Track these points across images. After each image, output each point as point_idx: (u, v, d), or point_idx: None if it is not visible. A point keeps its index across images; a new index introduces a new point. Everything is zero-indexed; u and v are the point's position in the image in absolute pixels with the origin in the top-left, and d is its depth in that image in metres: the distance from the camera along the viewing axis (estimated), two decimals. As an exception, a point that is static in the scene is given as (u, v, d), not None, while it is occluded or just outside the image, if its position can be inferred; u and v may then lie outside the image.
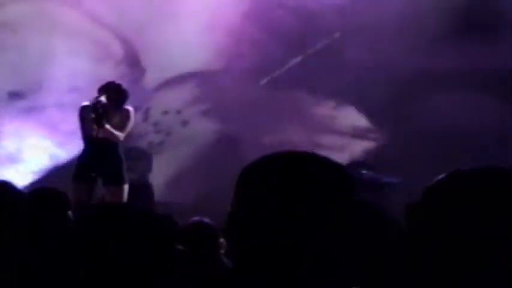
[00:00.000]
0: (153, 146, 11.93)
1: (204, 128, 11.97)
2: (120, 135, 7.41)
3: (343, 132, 11.95)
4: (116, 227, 2.00)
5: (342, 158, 10.98)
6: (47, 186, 4.68)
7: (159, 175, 11.41)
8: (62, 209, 4.19)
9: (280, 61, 11.94)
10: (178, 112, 11.98)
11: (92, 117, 7.20)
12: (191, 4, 11.84)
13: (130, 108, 7.62)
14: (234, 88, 12.01)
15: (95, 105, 7.24)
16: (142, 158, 10.64)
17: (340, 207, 1.58)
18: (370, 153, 11.52)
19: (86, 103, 7.50)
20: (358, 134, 11.86)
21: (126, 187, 7.38)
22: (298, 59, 11.90)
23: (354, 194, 1.61)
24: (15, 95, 11.47)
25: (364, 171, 9.34)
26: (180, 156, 11.69)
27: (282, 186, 1.57)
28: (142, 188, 9.48)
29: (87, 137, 7.39)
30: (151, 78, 12.00)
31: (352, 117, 11.89)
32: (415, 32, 11.14)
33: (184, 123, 11.99)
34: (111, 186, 7.33)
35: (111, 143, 7.35)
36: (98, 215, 2.11)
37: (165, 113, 11.93)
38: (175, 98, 12.04)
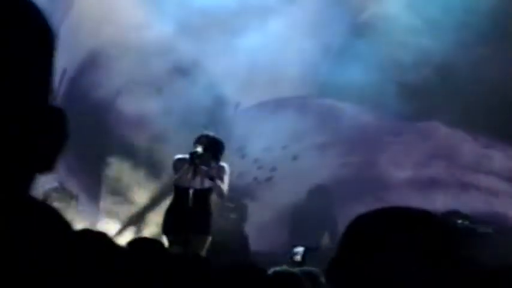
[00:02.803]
0: (260, 182, 11.71)
1: (318, 163, 11.41)
2: (224, 187, 7.41)
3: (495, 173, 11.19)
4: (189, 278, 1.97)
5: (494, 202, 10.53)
6: (146, 237, 4.65)
7: (267, 213, 11.15)
8: (160, 259, 4.15)
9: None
10: (284, 147, 11.60)
11: (187, 169, 7.30)
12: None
13: (225, 165, 7.56)
14: (347, 116, 11.50)
15: (192, 155, 7.31)
16: (236, 208, 10.63)
17: (440, 262, 1.64)
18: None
19: (179, 156, 7.55)
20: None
21: (209, 238, 7.38)
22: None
23: (454, 249, 1.68)
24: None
25: (459, 221, 9.24)
26: (289, 193, 11.22)
27: (385, 241, 1.64)
28: (235, 238, 9.57)
29: (179, 188, 7.44)
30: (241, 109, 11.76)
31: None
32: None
33: (294, 157, 11.63)
34: (196, 235, 7.29)
35: (204, 194, 7.39)
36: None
37: (267, 149, 11.56)
38: (276, 130, 11.52)
